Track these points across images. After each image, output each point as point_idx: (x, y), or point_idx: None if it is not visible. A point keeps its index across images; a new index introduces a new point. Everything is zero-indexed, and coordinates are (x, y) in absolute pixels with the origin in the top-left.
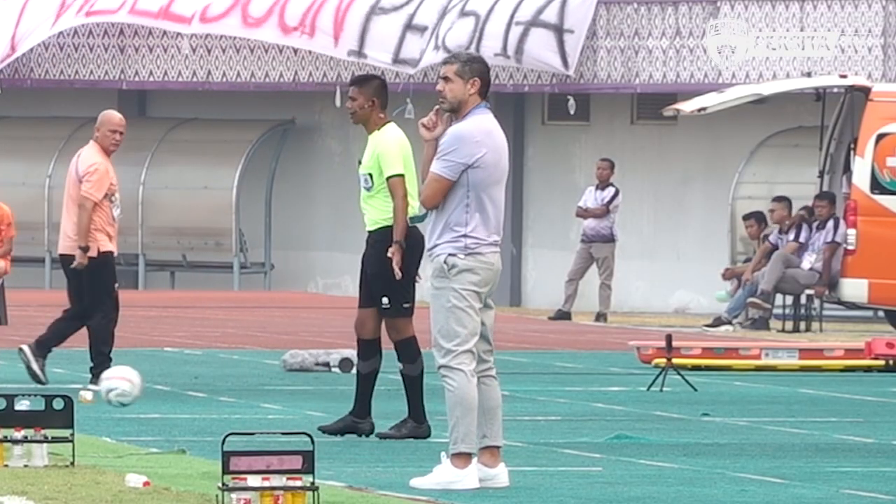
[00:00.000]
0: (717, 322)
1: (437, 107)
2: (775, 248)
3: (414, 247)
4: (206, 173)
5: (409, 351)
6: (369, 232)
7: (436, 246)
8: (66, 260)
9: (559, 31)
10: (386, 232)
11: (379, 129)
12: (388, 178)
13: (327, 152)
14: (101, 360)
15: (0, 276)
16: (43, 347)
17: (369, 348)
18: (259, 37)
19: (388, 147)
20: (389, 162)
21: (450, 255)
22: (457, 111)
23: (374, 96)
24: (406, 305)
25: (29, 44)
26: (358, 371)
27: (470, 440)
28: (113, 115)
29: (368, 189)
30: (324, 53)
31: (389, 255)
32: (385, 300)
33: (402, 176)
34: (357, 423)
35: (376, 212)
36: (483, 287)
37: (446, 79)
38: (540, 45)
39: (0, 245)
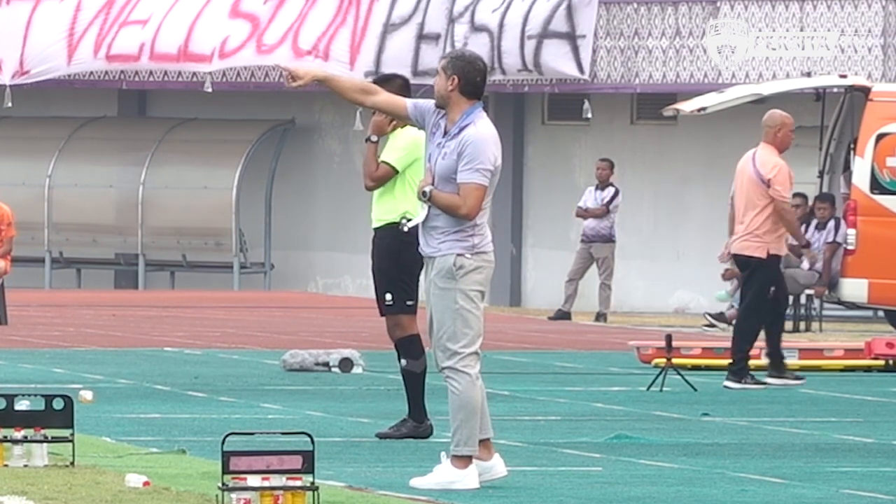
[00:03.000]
0: (720, 316)
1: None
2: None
3: (404, 248)
4: (206, 173)
5: (412, 348)
6: (377, 229)
7: (442, 243)
8: (740, 260)
9: (572, 37)
10: (391, 229)
11: (402, 128)
12: (381, 161)
13: (327, 152)
14: (739, 358)
15: (0, 275)
16: (776, 361)
17: (412, 345)
18: (272, 62)
19: (403, 142)
20: (391, 154)
21: (458, 255)
22: (441, 106)
23: (397, 95)
24: (409, 303)
25: (45, 75)
26: (409, 371)
27: (472, 443)
28: (787, 116)
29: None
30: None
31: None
32: (388, 296)
33: (392, 168)
34: (420, 428)
35: (383, 208)
36: (486, 286)
37: (438, 72)
38: (556, 55)
39: (0, 245)
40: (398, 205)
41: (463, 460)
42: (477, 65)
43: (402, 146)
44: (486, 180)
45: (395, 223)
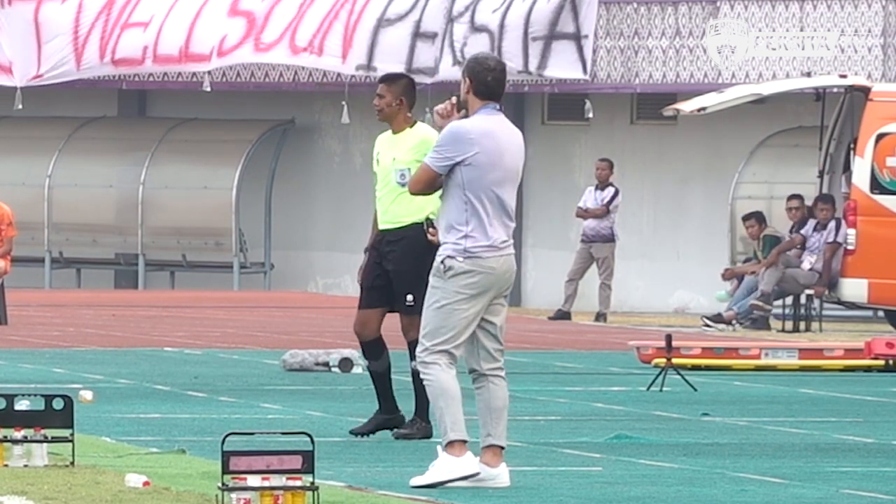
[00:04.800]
0: (718, 318)
1: (453, 97)
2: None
3: (430, 248)
4: (206, 173)
5: None
6: (392, 230)
7: (441, 245)
8: None
9: (577, 38)
10: (417, 228)
11: (412, 127)
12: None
13: (327, 152)
14: None
15: (0, 275)
16: None
17: (377, 347)
18: (269, 59)
19: (412, 143)
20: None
21: (448, 256)
22: (466, 110)
23: (403, 95)
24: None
25: (56, 80)
26: (373, 371)
27: (459, 427)
28: None
29: (405, 184)
30: (332, 71)
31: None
32: (410, 297)
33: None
34: (389, 418)
35: (408, 207)
36: (479, 290)
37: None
38: (563, 57)
39: (0, 245)
40: (420, 205)
41: (457, 448)
42: (487, 64)
43: (409, 147)
44: (437, 164)
45: (416, 224)
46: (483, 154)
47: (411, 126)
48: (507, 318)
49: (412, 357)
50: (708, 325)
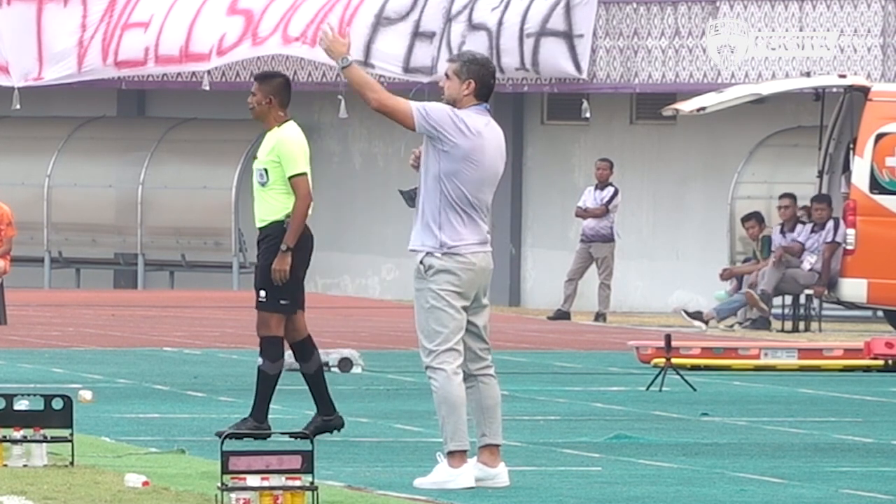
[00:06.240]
0: (697, 315)
1: (417, 149)
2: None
3: (303, 247)
4: (205, 173)
5: (272, 349)
6: (260, 229)
7: (416, 237)
8: None
9: (569, 37)
10: (277, 227)
11: (279, 126)
12: (291, 177)
13: (326, 152)
14: None
15: (0, 275)
16: None
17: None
18: (264, 52)
19: (291, 145)
20: (293, 160)
21: (427, 254)
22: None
23: (273, 94)
24: (283, 302)
25: (59, 80)
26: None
27: (459, 438)
28: None
29: (263, 184)
30: (326, 63)
31: (276, 263)
32: (262, 293)
33: (305, 175)
34: (328, 420)
35: (267, 207)
36: (463, 287)
37: (447, 76)
38: (553, 54)
39: (0, 244)
40: (281, 204)
41: (456, 459)
42: (490, 68)
43: (298, 151)
44: (418, 112)
45: (276, 222)
46: (463, 149)
47: (279, 125)
48: (490, 317)
49: (260, 354)
50: (689, 315)
